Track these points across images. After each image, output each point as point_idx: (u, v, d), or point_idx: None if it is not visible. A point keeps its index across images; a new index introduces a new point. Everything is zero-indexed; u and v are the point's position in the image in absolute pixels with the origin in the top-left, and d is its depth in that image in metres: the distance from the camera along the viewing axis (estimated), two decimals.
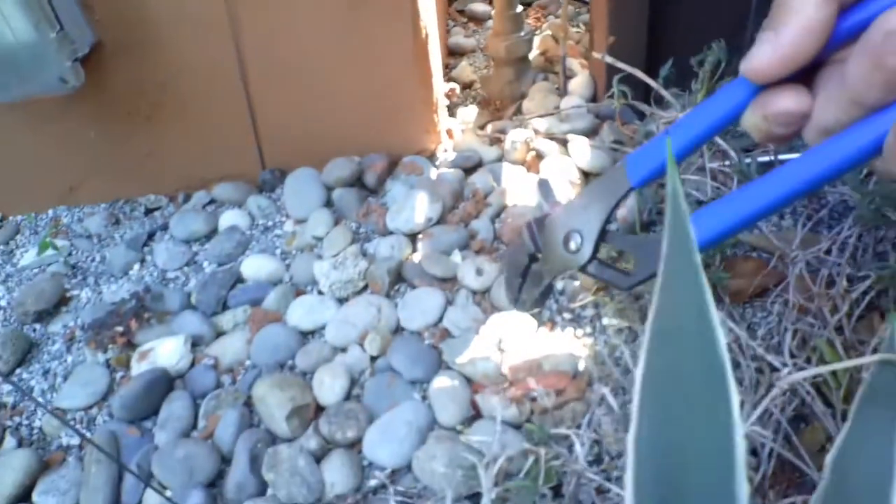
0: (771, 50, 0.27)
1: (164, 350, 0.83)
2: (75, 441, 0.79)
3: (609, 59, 0.94)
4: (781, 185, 0.29)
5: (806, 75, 0.28)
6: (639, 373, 0.31)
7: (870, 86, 0.25)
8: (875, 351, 0.56)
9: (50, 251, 1.00)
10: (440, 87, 1.07)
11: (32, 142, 1.07)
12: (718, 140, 0.78)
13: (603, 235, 0.36)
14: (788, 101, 0.28)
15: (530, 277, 0.40)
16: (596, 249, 0.35)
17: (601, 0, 1.02)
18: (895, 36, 0.23)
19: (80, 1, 0.92)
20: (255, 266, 0.93)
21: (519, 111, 1.19)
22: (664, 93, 0.90)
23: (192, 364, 0.83)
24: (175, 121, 1.05)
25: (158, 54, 0.99)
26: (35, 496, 0.72)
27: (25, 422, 0.81)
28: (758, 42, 0.28)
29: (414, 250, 0.92)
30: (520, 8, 1.17)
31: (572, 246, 0.36)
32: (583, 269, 0.37)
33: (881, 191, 0.63)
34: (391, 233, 0.94)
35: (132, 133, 1.06)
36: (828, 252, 0.71)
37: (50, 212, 1.14)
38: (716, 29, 1.00)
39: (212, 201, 1.08)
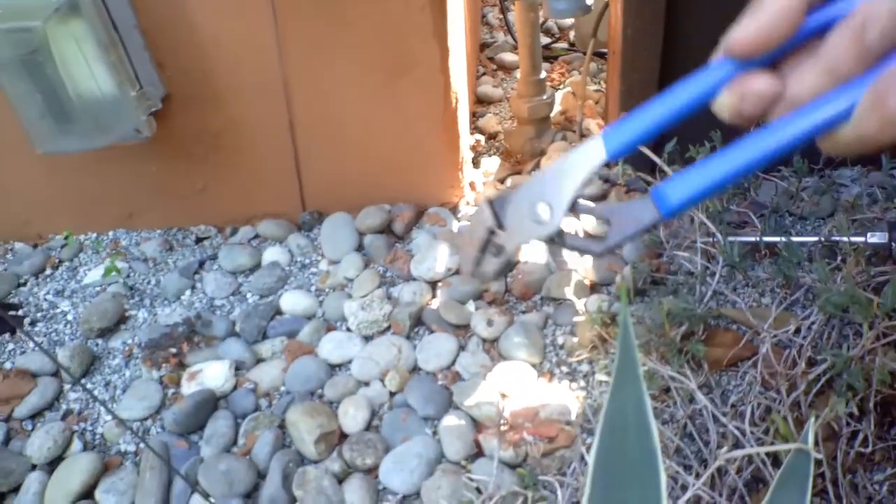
0: (754, 25, 0.31)
1: (211, 372, 0.96)
2: (131, 448, 0.91)
3: None
4: (755, 150, 0.31)
5: (773, 67, 0.33)
6: (593, 453, 0.42)
7: (846, 57, 0.30)
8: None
9: (113, 274, 1.13)
10: (466, 147, 1.18)
11: (100, 172, 1.20)
12: (707, 222, 0.88)
13: (573, 206, 0.35)
14: (762, 83, 0.31)
15: (489, 250, 0.39)
16: (566, 221, 0.36)
17: (614, 79, 1.13)
18: (875, 20, 0.29)
19: (154, 61, 1.05)
20: (292, 301, 1.05)
21: (537, 167, 1.30)
22: (666, 168, 1.00)
23: (235, 387, 0.95)
24: (229, 162, 1.18)
25: (218, 106, 1.12)
26: (98, 494, 0.85)
27: (90, 428, 0.94)
28: (738, 24, 0.32)
29: (433, 296, 1.03)
30: (543, 74, 1.28)
31: (540, 216, 0.36)
32: (550, 239, 0.36)
33: (841, 291, 0.72)
34: (414, 279, 1.05)
35: (190, 170, 1.19)
36: (797, 331, 0.80)
37: (110, 233, 1.28)
38: None
39: (256, 236, 1.21)
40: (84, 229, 1.28)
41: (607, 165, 1.26)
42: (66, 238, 1.24)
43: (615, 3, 1.12)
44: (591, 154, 0.34)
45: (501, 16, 1.93)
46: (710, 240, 0.92)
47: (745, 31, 0.31)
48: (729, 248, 0.85)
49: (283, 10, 1.03)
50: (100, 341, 1.06)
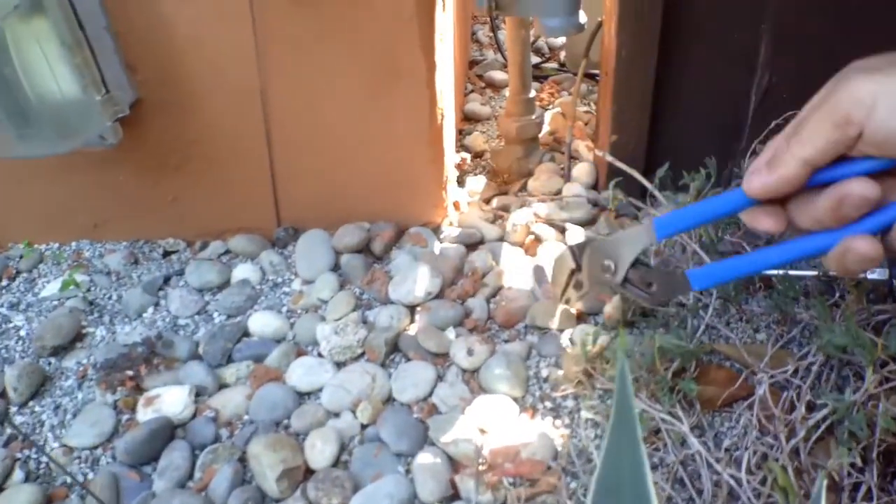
0: (761, 183, 0.42)
1: (170, 398, 0.89)
2: (79, 478, 0.84)
3: (609, 158, 1.01)
4: (768, 258, 0.44)
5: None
6: None
7: (828, 218, 0.40)
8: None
9: (72, 288, 1.06)
10: (451, 165, 1.14)
11: (65, 178, 1.14)
12: (700, 252, 0.84)
13: (633, 265, 0.47)
14: (768, 223, 0.43)
15: (573, 284, 0.50)
16: (626, 275, 0.47)
17: (606, 101, 1.09)
18: (848, 198, 0.39)
19: (124, 63, 0.99)
20: (261, 322, 0.99)
21: (524, 188, 1.25)
22: (657, 194, 0.96)
23: (195, 414, 0.88)
24: (201, 173, 1.12)
25: (192, 114, 1.06)
26: None
27: (34, 455, 0.86)
28: (760, 172, 0.42)
29: (412, 321, 0.98)
30: (532, 93, 1.25)
31: (608, 269, 0.46)
32: (615, 287, 0.48)
33: (842, 330, 0.68)
34: (392, 302, 0.99)
35: (160, 180, 1.13)
36: (795, 372, 0.76)
37: (73, 244, 1.21)
38: (713, 137, 1.07)
39: (227, 251, 1.14)
40: (46, 239, 1.21)
41: (595, 186, 1.22)
42: (24, 247, 1.17)
43: (609, 22, 1.08)
44: (644, 235, 0.46)
45: (492, 34, 1.90)
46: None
47: (757, 185, 0.42)
48: None
49: (263, 17, 0.98)
50: (53, 360, 0.99)
